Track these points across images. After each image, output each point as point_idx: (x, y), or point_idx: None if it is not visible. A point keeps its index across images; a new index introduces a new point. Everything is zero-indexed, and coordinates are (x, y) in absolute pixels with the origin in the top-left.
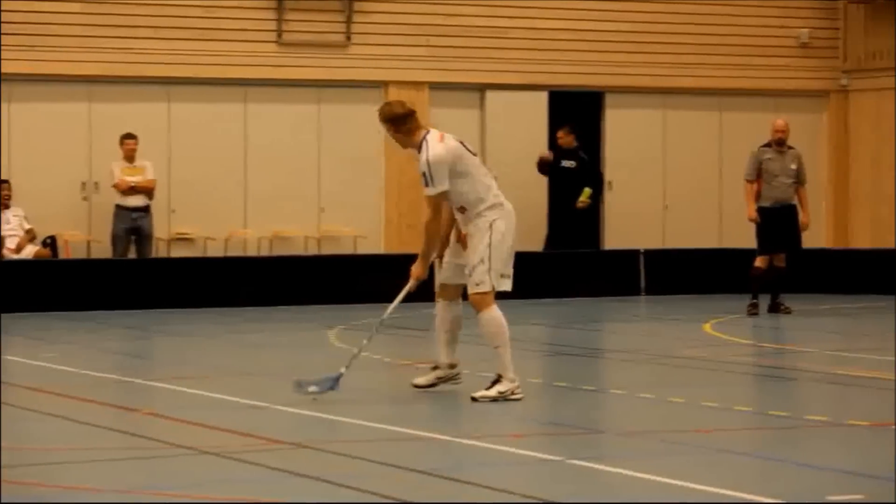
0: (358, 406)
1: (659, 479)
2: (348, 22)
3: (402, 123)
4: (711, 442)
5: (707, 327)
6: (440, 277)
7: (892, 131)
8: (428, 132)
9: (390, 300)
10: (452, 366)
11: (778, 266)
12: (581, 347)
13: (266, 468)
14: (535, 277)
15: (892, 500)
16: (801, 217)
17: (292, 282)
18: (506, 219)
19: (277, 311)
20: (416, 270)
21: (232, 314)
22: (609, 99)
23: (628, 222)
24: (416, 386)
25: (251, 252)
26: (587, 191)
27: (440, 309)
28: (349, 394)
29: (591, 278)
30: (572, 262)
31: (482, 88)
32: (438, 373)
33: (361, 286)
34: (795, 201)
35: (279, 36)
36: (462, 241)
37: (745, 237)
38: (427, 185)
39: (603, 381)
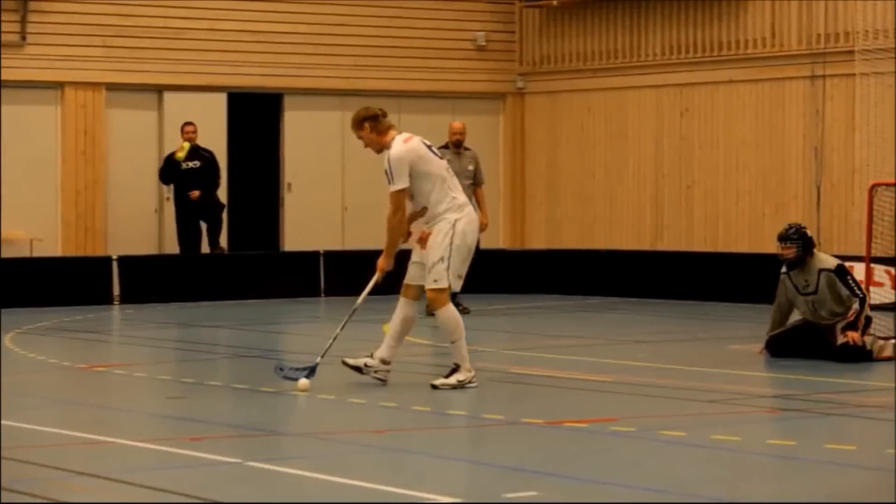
0: (33, 410)
1: (337, 479)
2: (23, 21)
3: (378, 122)
4: (390, 442)
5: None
6: (406, 277)
7: (566, 133)
8: (397, 134)
9: (69, 303)
10: (385, 362)
11: None
12: (261, 349)
13: None
14: (215, 278)
15: (565, 499)
16: (479, 218)
17: None
18: (467, 221)
19: None
20: (382, 263)
21: None
22: (288, 101)
23: (308, 224)
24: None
25: None
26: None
27: (398, 305)
28: (23, 398)
29: (271, 279)
30: (252, 264)
31: (160, 90)
32: (368, 360)
33: (38, 289)
34: (473, 202)
35: None
36: (421, 241)
37: None
38: (389, 182)
39: (281, 383)
